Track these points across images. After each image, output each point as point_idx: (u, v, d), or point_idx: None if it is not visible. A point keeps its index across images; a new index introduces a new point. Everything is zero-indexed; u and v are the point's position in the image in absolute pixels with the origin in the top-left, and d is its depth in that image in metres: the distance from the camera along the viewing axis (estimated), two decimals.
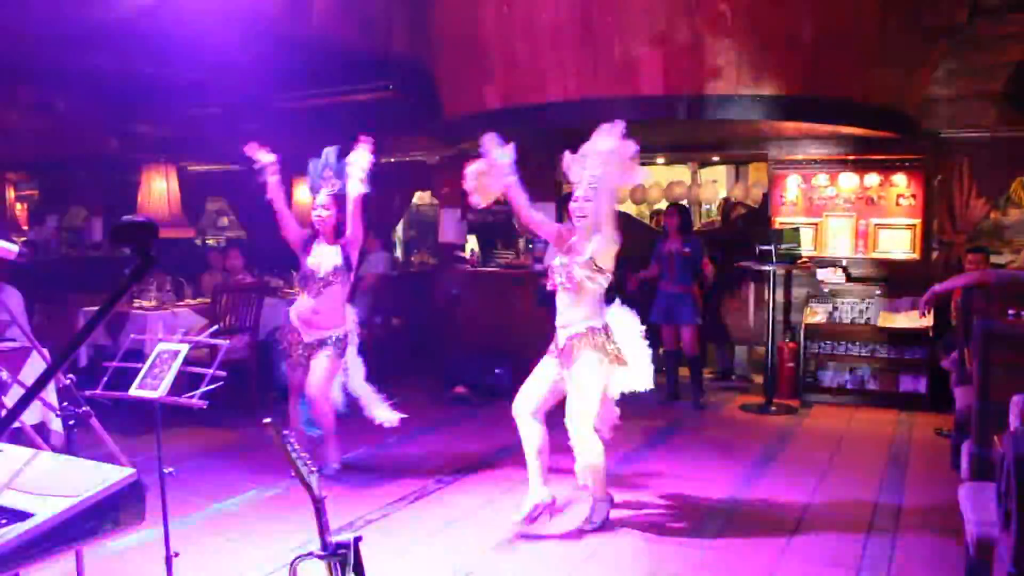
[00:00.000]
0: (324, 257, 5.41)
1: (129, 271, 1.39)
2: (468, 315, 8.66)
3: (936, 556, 4.28)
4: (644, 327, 4.73)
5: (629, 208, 11.46)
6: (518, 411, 4.60)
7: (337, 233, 5.43)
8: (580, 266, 4.38)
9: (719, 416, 7.35)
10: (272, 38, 6.94)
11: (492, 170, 4.49)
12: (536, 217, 4.60)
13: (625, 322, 4.63)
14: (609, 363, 4.46)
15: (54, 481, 2.00)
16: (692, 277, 7.61)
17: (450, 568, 4.14)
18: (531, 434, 4.57)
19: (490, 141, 4.49)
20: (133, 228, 1.43)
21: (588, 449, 4.49)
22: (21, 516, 1.84)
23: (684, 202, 10.25)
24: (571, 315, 4.49)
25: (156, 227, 1.44)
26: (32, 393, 1.50)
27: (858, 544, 4.43)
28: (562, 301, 4.53)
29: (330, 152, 5.39)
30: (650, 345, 4.66)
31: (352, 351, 5.61)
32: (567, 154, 4.55)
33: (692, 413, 7.39)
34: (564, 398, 4.55)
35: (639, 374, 4.59)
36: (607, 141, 4.35)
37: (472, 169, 4.57)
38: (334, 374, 5.47)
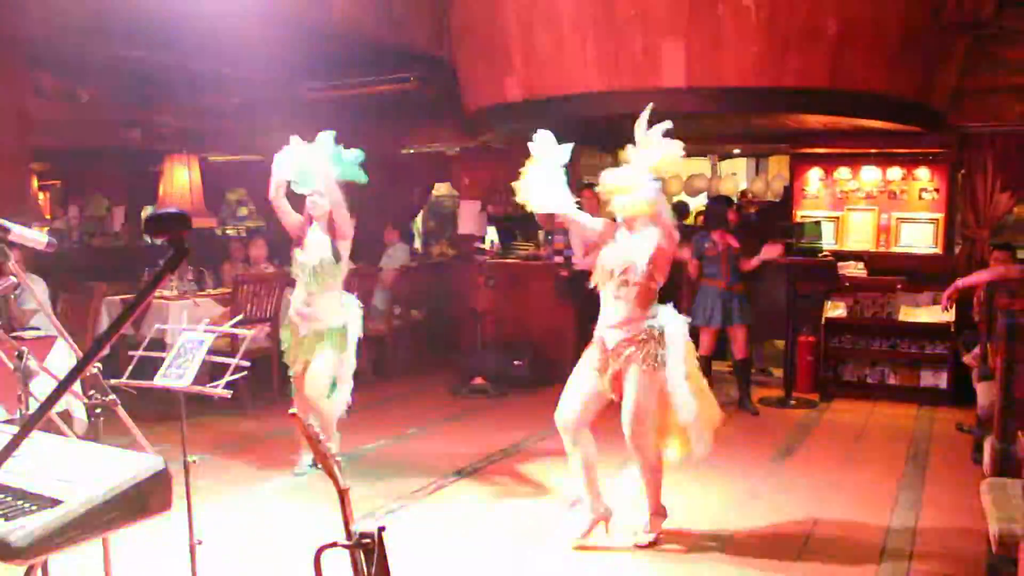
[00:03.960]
0: (318, 245, 5.16)
1: (163, 262, 1.41)
2: (487, 307, 8.67)
3: (957, 552, 4.25)
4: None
5: None
6: (565, 426, 4.29)
7: (332, 222, 5.17)
8: (646, 263, 4.13)
9: (738, 410, 7.31)
10: (294, 29, 6.96)
11: (544, 171, 4.23)
12: (588, 225, 4.35)
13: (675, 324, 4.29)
14: (661, 366, 4.18)
15: (83, 469, 2.02)
16: (742, 274, 7.19)
17: (469, 560, 4.16)
18: (583, 449, 4.32)
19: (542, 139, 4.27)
20: (167, 219, 1.45)
21: (646, 456, 4.30)
22: (51, 503, 1.87)
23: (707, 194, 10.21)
24: (625, 315, 4.22)
25: (189, 219, 1.46)
26: (65, 385, 1.52)
27: (878, 537, 4.41)
28: (614, 300, 4.23)
29: (326, 139, 5.11)
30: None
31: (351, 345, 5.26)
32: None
33: None
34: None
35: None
36: (654, 130, 4.16)
37: (528, 176, 4.28)
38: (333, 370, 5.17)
